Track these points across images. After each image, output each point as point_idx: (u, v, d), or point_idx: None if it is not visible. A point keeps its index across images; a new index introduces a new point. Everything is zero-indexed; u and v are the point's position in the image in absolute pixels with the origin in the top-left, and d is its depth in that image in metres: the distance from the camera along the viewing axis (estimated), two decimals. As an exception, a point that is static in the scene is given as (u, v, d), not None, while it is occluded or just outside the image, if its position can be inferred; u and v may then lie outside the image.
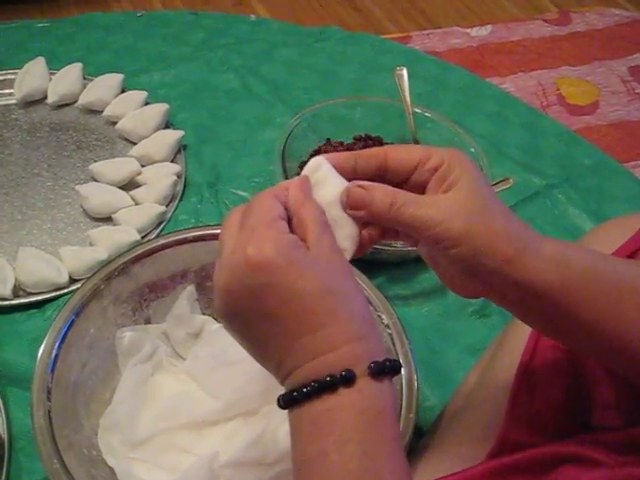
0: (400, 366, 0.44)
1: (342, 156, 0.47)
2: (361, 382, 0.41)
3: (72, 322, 0.65)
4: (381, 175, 0.47)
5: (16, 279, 0.80)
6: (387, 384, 0.42)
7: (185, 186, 0.94)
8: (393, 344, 0.66)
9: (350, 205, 0.46)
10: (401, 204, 0.44)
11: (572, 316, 0.44)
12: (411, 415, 0.60)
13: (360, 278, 0.69)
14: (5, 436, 0.67)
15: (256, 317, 0.42)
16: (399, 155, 0.47)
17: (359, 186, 0.46)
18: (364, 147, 0.92)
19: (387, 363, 0.42)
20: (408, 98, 0.91)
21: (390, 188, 0.45)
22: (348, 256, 0.46)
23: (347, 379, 0.40)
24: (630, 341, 0.44)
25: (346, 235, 0.46)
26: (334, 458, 0.39)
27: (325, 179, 0.46)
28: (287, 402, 0.42)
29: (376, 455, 0.39)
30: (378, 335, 0.44)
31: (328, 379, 0.40)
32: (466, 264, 0.44)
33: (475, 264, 0.44)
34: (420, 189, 0.47)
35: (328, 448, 0.40)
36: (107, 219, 0.88)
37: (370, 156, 0.47)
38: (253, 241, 0.41)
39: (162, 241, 0.73)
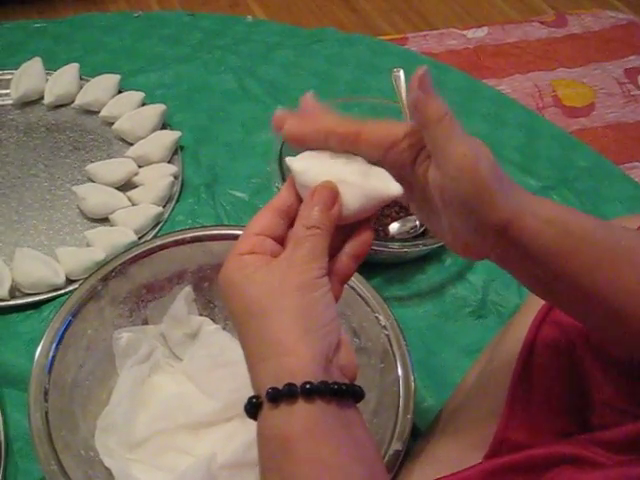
0: (314, 390, 0.39)
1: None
2: (266, 408, 0.40)
3: (69, 323, 0.65)
4: None
5: (13, 280, 0.79)
6: (299, 407, 0.39)
7: (182, 187, 0.94)
8: (390, 345, 0.66)
9: (420, 83, 0.45)
10: (450, 118, 0.47)
11: (569, 280, 0.45)
12: (408, 416, 0.61)
13: (357, 279, 0.70)
14: (2, 437, 0.67)
15: None
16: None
17: None
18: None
19: (289, 387, 0.39)
20: (405, 99, 0.91)
21: None
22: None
23: (255, 406, 0.41)
24: (625, 307, 0.44)
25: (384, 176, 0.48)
26: None
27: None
28: None
29: None
30: (304, 352, 0.40)
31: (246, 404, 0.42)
32: (472, 214, 0.45)
33: (477, 210, 0.44)
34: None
35: (263, 475, 0.41)
36: (104, 220, 0.88)
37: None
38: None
39: (159, 242, 0.73)
